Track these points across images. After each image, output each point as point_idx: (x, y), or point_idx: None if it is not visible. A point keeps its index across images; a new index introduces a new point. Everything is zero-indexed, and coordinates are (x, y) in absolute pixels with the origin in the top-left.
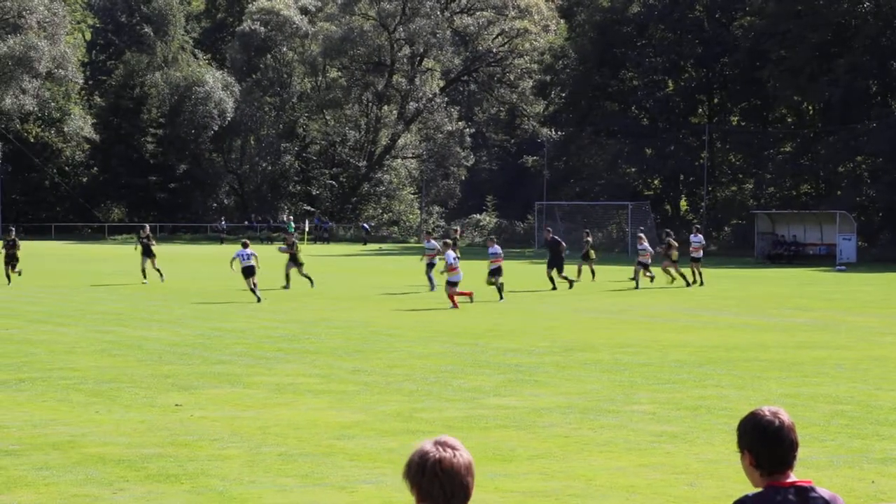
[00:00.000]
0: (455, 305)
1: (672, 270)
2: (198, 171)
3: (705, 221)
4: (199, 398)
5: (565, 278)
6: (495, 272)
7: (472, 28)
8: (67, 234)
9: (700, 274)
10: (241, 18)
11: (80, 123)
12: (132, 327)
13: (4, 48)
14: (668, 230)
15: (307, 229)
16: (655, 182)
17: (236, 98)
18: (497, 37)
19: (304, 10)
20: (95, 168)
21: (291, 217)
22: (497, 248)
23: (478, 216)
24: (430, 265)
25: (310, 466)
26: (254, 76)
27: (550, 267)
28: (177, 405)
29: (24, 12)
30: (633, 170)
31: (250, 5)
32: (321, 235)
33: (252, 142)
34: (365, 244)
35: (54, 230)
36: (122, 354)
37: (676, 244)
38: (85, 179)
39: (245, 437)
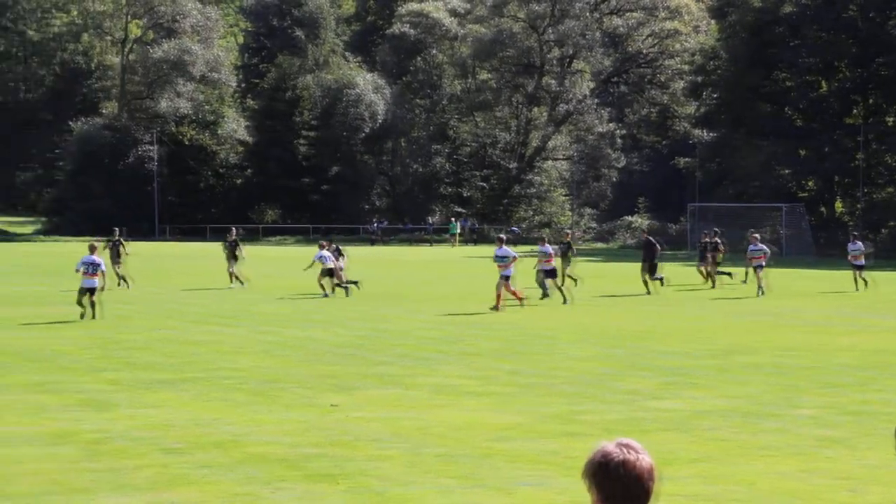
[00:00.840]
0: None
1: (704, 270)
2: (350, 173)
3: (861, 224)
4: (359, 399)
5: (658, 279)
6: (549, 273)
7: (622, 29)
8: (222, 236)
9: (864, 280)
10: (392, 21)
11: (234, 126)
12: (293, 328)
13: (160, 52)
14: (716, 229)
15: (458, 231)
16: (810, 184)
17: (387, 100)
18: (647, 38)
19: (453, 13)
20: (249, 170)
21: (454, 218)
22: (548, 248)
23: (630, 218)
24: (545, 272)
25: (469, 468)
26: (404, 78)
27: (644, 269)
28: (332, 405)
29: (178, 17)
30: (788, 171)
31: (400, 8)
32: (471, 237)
33: (403, 144)
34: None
35: (209, 231)
36: (283, 355)
37: (723, 247)
38: (239, 181)
39: (405, 438)
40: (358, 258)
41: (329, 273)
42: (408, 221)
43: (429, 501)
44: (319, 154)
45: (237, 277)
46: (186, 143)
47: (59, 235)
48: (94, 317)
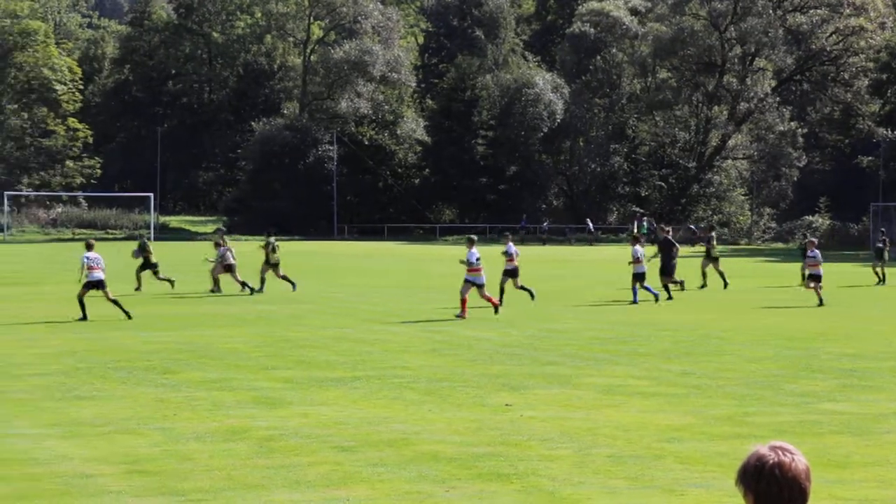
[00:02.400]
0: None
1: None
2: (528, 173)
3: None
4: (528, 398)
5: (676, 282)
6: (638, 277)
7: (805, 26)
8: (400, 235)
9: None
10: (571, 20)
11: (413, 126)
12: (463, 327)
13: (340, 53)
14: (882, 229)
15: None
16: None
17: (566, 100)
18: (831, 35)
19: (633, 11)
20: (427, 170)
21: (645, 218)
22: (639, 249)
23: (810, 218)
24: (637, 275)
25: (639, 468)
26: (583, 77)
27: (662, 272)
28: (507, 405)
29: (359, 18)
30: None
31: (580, 7)
32: (648, 237)
33: (581, 143)
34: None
35: (387, 231)
36: (453, 354)
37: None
38: (417, 181)
39: (574, 438)
40: (530, 258)
41: (229, 269)
42: (589, 221)
43: (598, 502)
44: (497, 154)
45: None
46: (365, 143)
47: (239, 234)
48: (129, 317)
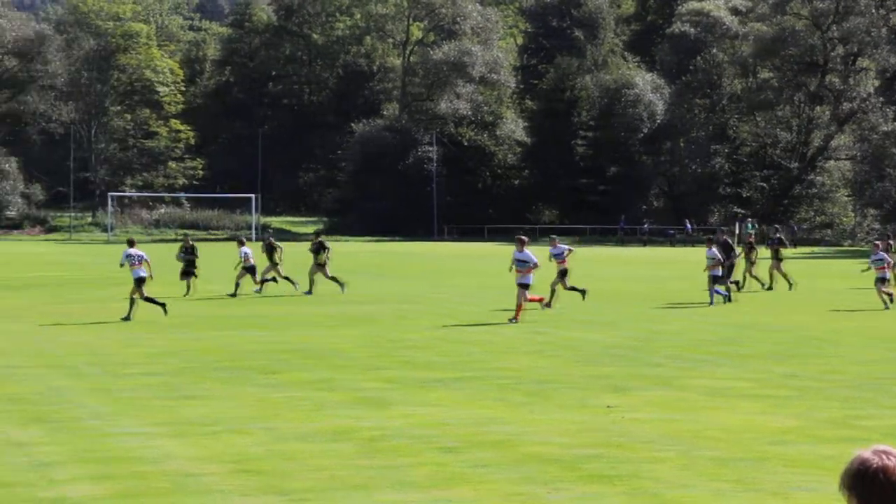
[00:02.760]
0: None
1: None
2: (628, 174)
3: None
4: (632, 400)
5: (733, 282)
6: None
7: None
8: (500, 236)
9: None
10: (671, 20)
11: (513, 127)
12: (566, 328)
13: (440, 54)
14: (777, 226)
15: (738, 232)
16: None
17: (666, 100)
18: None
19: (734, 11)
20: (527, 171)
21: (749, 219)
22: (714, 251)
23: None
24: (714, 277)
25: (744, 471)
26: (684, 78)
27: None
28: (609, 406)
29: (458, 19)
30: None
31: (681, 7)
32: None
33: (682, 144)
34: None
35: (487, 232)
36: (556, 355)
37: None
38: (517, 182)
39: (679, 440)
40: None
41: (250, 270)
42: (691, 222)
43: None
44: (597, 154)
45: (274, 279)
46: (465, 143)
47: (340, 235)
48: (165, 313)
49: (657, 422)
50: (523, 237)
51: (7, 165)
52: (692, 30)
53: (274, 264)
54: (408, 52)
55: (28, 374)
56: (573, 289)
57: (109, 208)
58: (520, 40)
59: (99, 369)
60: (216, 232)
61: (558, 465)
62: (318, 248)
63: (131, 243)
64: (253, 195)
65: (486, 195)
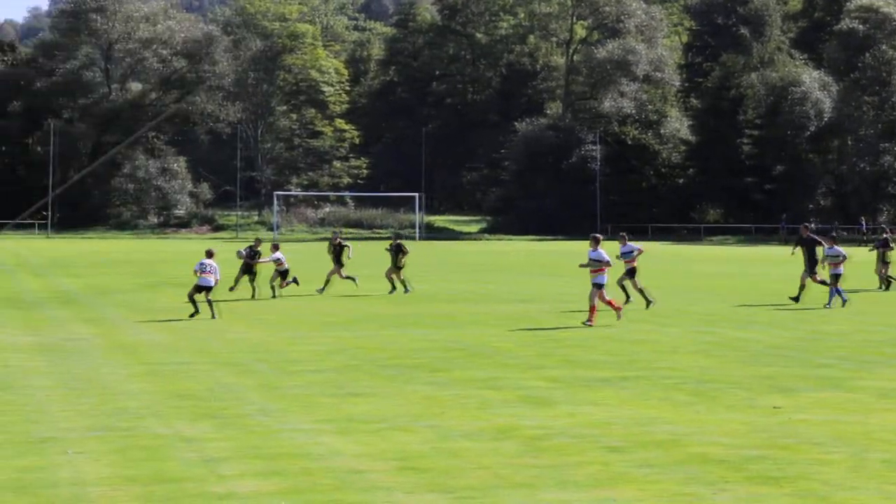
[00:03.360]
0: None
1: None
2: (795, 172)
3: None
4: (799, 401)
5: (822, 282)
6: (834, 278)
7: None
8: (664, 235)
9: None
10: (839, 17)
11: (677, 125)
12: (730, 328)
13: (604, 52)
14: (885, 226)
15: None
16: None
17: (834, 98)
18: None
19: None
20: (692, 169)
21: None
22: (837, 249)
23: None
24: (835, 276)
25: None
26: (852, 75)
27: (807, 271)
28: (776, 407)
29: (623, 17)
30: None
31: (849, 3)
32: None
33: (850, 142)
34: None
35: (651, 230)
36: (721, 355)
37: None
38: (681, 181)
39: (848, 442)
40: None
41: (283, 274)
42: (866, 221)
43: None
44: (763, 153)
45: (328, 281)
46: (629, 142)
47: (503, 234)
48: (213, 316)
49: (825, 423)
50: (598, 235)
51: (175, 165)
52: (861, 26)
53: (341, 265)
54: (571, 50)
55: (197, 370)
56: (642, 291)
57: (275, 207)
58: (684, 38)
59: (267, 366)
60: (380, 230)
61: (724, 466)
62: (398, 250)
63: (210, 254)
64: (416, 194)
65: (650, 194)
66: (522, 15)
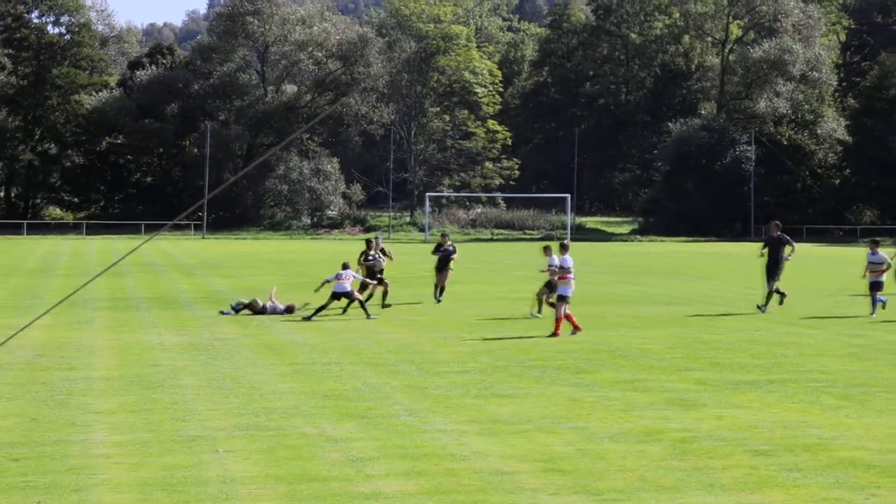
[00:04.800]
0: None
1: None
2: None
3: None
4: None
5: (777, 292)
6: (874, 286)
7: None
8: (818, 237)
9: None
10: None
11: (833, 125)
12: (882, 331)
13: (760, 52)
14: None
15: None
16: None
17: None
18: None
19: None
20: (847, 170)
21: None
22: (880, 255)
23: None
24: (875, 284)
25: None
26: None
27: (770, 277)
28: None
29: (779, 16)
30: None
31: None
32: None
33: None
34: None
35: (805, 232)
36: (871, 358)
37: None
38: (837, 181)
39: None
40: None
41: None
42: None
43: None
44: None
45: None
46: (784, 143)
47: (654, 235)
48: (367, 316)
49: None
50: (566, 242)
51: (329, 166)
52: None
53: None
54: (727, 50)
55: (344, 370)
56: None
57: (427, 208)
58: (842, 37)
59: (413, 367)
60: (531, 232)
61: (874, 471)
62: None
63: (345, 266)
64: (567, 195)
65: (804, 195)
66: (677, 14)
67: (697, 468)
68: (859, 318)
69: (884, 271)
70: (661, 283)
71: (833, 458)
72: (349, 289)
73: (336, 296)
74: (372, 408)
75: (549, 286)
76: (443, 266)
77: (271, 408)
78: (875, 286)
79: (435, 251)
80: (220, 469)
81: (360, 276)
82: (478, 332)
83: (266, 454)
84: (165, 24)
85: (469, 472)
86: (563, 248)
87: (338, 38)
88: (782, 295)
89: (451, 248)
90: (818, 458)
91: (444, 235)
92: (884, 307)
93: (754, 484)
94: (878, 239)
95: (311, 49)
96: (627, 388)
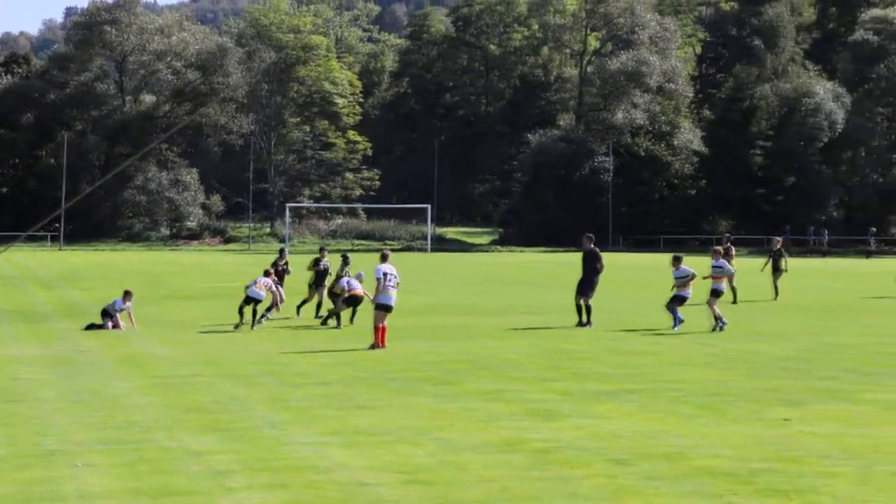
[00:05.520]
0: None
1: None
2: (805, 184)
3: None
4: (806, 413)
5: (586, 307)
6: (676, 299)
7: None
8: (674, 247)
9: None
10: (853, 28)
11: (689, 136)
12: (737, 340)
13: (617, 64)
14: (779, 238)
15: None
16: None
17: (847, 109)
18: None
19: None
20: (703, 180)
21: None
22: (683, 269)
23: None
24: (677, 298)
25: None
26: (865, 86)
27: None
28: (785, 420)
29: (636, 28)
30: None
31: (862, 14)
32: None
33: (862, 153)
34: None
35: (662, 242)
36: (728, 367)
37: None
38: (693, 192)
39: (855, 455)
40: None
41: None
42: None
43: None
44: (773, 164)
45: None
46: (641, 153)
47: (513, 245)
48: (252, 326)
49: (833, 436)
50: (387, 252)
51: (188, 177)
52: (874, 37)
53: (322, 286)
54: (584, 62)
55: (206, 383)
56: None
57: (287, 219)
58: (697, 49)
59: (274, 379)
60: (392, 242)
61: (731, 479)
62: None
63: (267, 273)
64: (428, 205)
65: (660, 205)
66: (536, 26)
67: (558, 478)
68: (719, 328)
69: (688, 284)
70: (521, 294)
71: (691, 467)
72: (262, 296)
73: (248, 300)
74: (233, 420)
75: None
76: (320, 282)
77: (132, 421)
78: (677, 300)
79: (313, 265)
80: (79, 484)
81: (276, 289)
82: (339, 344)
83: (126, 468)
84: (21, 33)
85: (330, 485)
86: (383, 257)
87: (196, 47)
88: (588, 312)
89: (328, 263)
90: (676, 466)
91: (321, 250)
92: (674, 326)
93: (614, 493)
94: (679, 255)
95: (169, 59)
96: (489, 398)
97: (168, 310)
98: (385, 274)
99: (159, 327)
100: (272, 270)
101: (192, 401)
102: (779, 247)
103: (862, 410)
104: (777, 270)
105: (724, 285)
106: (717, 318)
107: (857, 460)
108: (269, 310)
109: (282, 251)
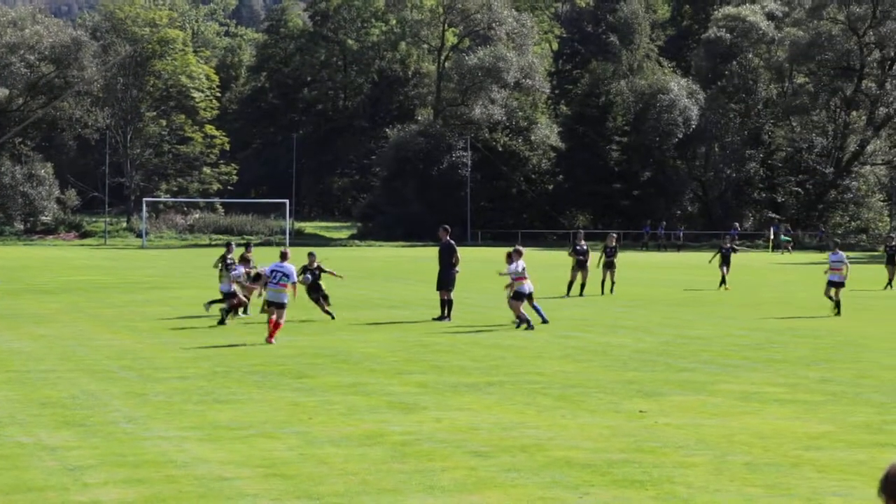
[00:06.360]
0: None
1: None
2: (661, 179)
3: None
4: (663, 405)
5: (448, 301)
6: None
7: None
8: (533, 241)
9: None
10: (707, 25)
11: (547, 132)
12: (596, 333)
13: (475, 59)
14: (728, 234)
15: (772, 237)
16: None
17: (701, 105)
18: None
19: (770, 16)
20: (561, 175)
21: (782, 224)
22: (513, 266)
23: None
24: (518, 294)
25: (776, 477)
26: (719, 83)
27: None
28: (641, 411)
29: (493, 24)
30: None
31: (716, 12)
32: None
33: (716, 149)
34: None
35: (520, 236)
36: (586, 360)
37: None
38: (550, 187)
39: (710, 446)
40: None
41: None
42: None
43: None
44: (630, 159)
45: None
46: (499, 149)
47: (372, 240)
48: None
49: (688, 427)
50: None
51: (42, 171)
52: (727, 35)
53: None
54: (442, 57)
55: (61, 377)
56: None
57: (143, 213)
58: (554, 46)
59: (133, 373)
60: (250, 237)
61: (588, 470)
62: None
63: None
64: (286, 200)
65: (520, 200)
66: (394, 22)
67: (418, 470)
68: (574, 321)
69: (524, 279)
70: (380, 287)
71: (549, 458)
72: (231, 289)
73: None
74: (90, 415)
75: None
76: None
77: None
78: (518, 296)
79: (301, 272)
80: None
81: (244, 282)
82: (198, 338)
83: None
84: None
85: (190, 479)
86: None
87: (50, 40)
88: (449, 306)
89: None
90: (535, 458)
91: (310, 255)
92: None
93: (473, 485)
94: (520, 248)
95: (22, 52)
96: (349, 391)
97: (24, 304)
98: (273, 272)
99: (15, 321)
100: (251, 257)
101: (48, 396)
102: (613, 243)
103: (717, 402)
104: (610, 267)
105: (529, 286)
106: (521, 318)
107: (712, 450)
108: (235, 309)
109: (248, 244)
